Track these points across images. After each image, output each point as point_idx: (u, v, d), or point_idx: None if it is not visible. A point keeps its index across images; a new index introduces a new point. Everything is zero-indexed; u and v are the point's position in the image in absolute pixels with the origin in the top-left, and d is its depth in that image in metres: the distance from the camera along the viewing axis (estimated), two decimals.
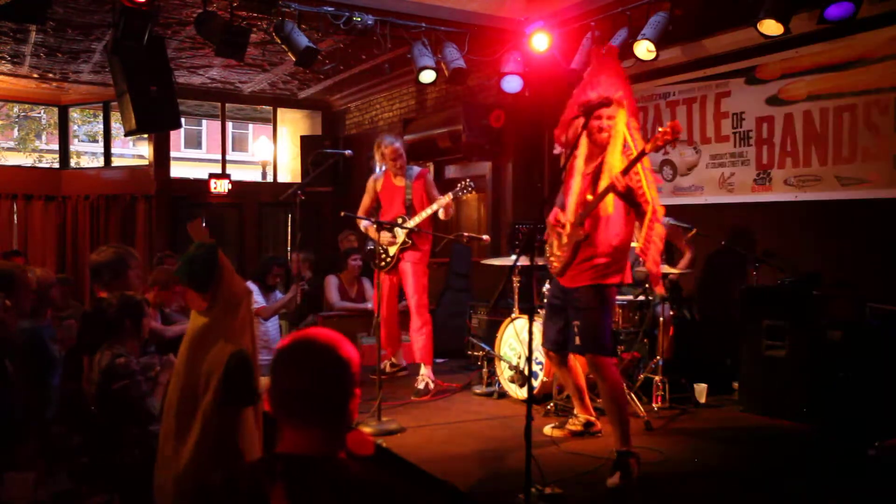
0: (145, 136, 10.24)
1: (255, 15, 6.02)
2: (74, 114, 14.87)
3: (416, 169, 5.43)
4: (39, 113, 18.48)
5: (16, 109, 18.22)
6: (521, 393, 4.84)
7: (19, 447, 3.55)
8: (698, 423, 4.51)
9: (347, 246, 6.92)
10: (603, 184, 3.55)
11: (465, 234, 5.46)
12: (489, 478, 3.50)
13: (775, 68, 5.40)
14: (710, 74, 5.86)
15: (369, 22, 5.67)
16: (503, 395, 5.05)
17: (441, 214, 5.17)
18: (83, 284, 9.26)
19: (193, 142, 21.46)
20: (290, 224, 10.73)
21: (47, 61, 8.22)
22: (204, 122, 20.02)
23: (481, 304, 6.00)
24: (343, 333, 1.72)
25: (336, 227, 8.38)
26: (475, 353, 5.43)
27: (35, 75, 8.92)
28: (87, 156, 18.56)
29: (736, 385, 4.95)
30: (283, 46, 5.52)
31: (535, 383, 4.76)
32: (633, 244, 3.86)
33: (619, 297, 4.67)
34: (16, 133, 19.35)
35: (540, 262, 4.00)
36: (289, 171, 11.18)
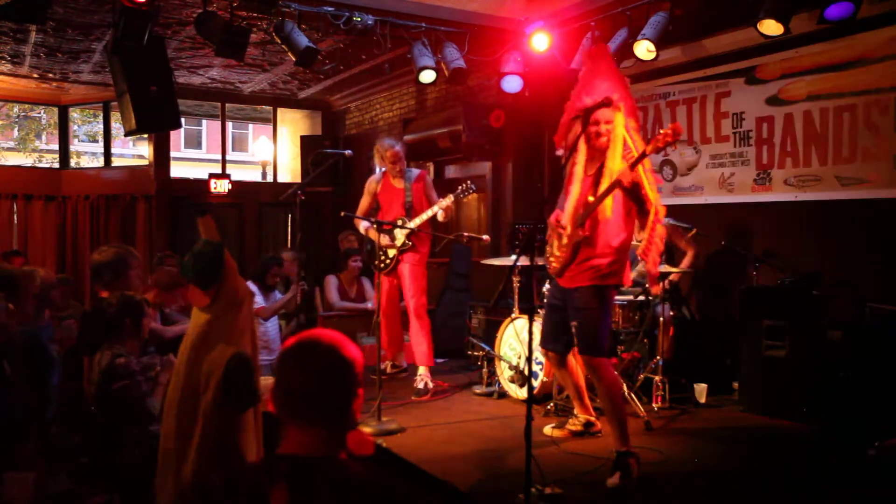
0: (145, 136, 10.23)
1: (255, 15, 6.02)
2: (74, 114, 14.87)
3: (416, 171, 5.44)
4: (39, 113, 18.47)
5: (16, 109, 18.22)
6: (521, 393, 4.84)
7: (19, 447, 3.55)
8: (698, 423, 4.51)
9: (347, 246, 6.93)
10: (604, 186, 3.55)
11: (465, 234, 5.47)
12: (489, 478, 3.50)
13: (775, 68, 5.40)
14: (710, 74, 5.85)
15: (369, 22, 5.67)
16: (503, 395, 5.05)
17: (440, 216, 5.18)
18: (83, 284, 9.26)
19: (193, 142, 21.46)
20: (290, 224, 10.73)
21: (47, 61, 8.21)
22: (204, 122, 20.02)
23: (481, 304, 6.00)
24: (343, 333, 1.72)
25: (336, 227, 8.38)
26: (475, 353, 5.44)
27: (35, 75, 8.91)
28: (87, 156, 18.56)
29: (736, 385, 4.95)
30: (283, 46, 5.52)
31: (535, 383, 4.76)
32: (633, 242, 3.86)
33: (618, 297, 4.68)
34: (16, 133, 19.34)
35: (540, 262, 4.00)
36: (289, 171, 11.17)
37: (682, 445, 4.02)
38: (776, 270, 5.09)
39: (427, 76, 5.87)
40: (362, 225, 5.34)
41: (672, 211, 3.60)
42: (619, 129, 3.58)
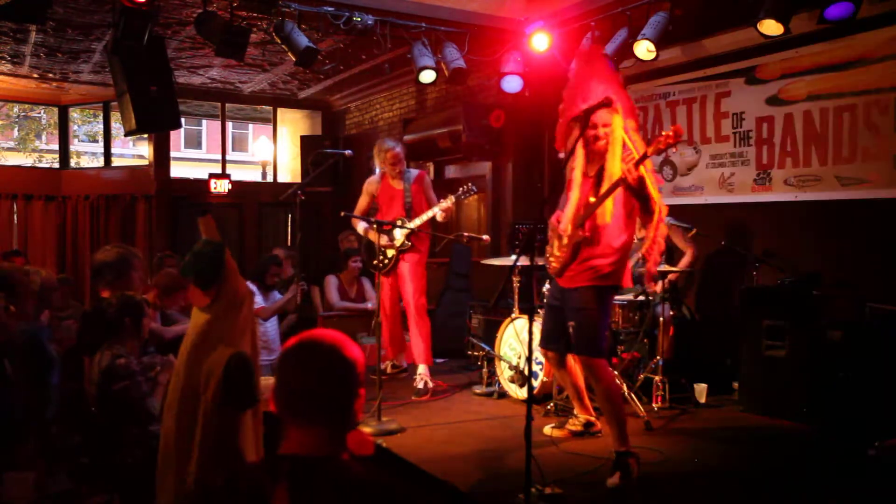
0: (145, 136, 10.23)
1: (255, 15, 6.02)
2: (74, 114, 14.87)
3: (414, 171, 5.44)
4: (39, 113, 18.48)
5: (16, 109, 18.22)
6: (521, 393, 4.84)
7: (19, 447, 3.55)
8: (698, 423, 4.51)
9: (347, 246, 6.92)
10: (605, 187, 3.55)
11: (465, 234, 5.47)
12: (489, 478, 3.50)
13: (775, 68, 5.40)
14: (710, 74, 5.85)
15: (369, 22, 5.67)
16: (503, 395, 5.05)
17: (439, 217, 5.18)
18: (83, 284, 9.27)
19: (193, 142, 21.46)
20: (290, 224, 10.73)
21: (47, 61, 8.21)
22: (204, 122, 20.02)
23: (481, 304, 6.00)
24: (343, 333, 1.73)
25: (336, 227, 8.38)
26: (475, 353, 5.44)
27: (35, 75, 8.91)
28: (87, 156, 18.57)
29: (736, 385, 4.95)
30: (283, 46, 5.52)
31: (535, 383, 4.76)
32: (634, 242, 3.86)
33: (618, 297, 4.68)
34: (16, 133, 19.35)
35: (540, 262, 4.00)
36: (289, 171, 11.17)
37: (682, 445, 4.02)
38: (776, 270, 5.09)
39: (427, 76, 5.88)
40: (360, 225, 5.34)
41: (672, 211, 3.60)
42: (618, 132, 3.58)
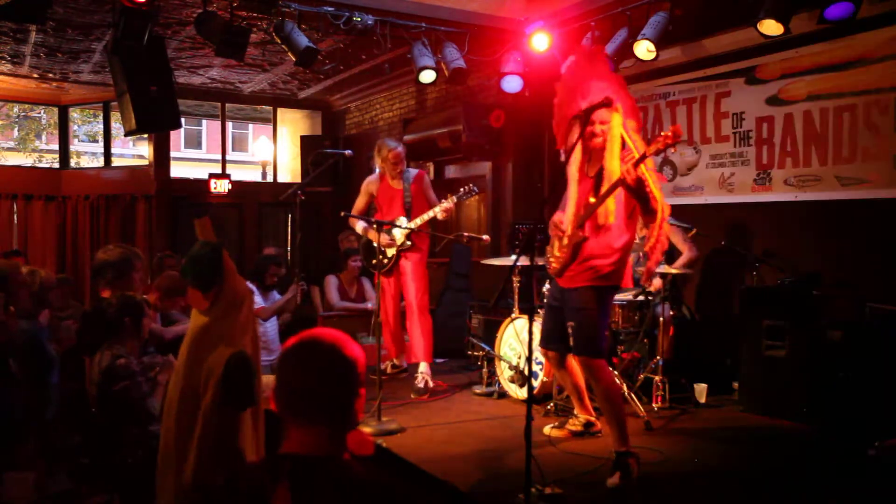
0: (145, 136, 10.23)
1: (255, 15, 6.02)
2: (74, 114, 14.87)
3: (414, 171, 5.44)
4: (39, 113, 18.48)
5: (16, 109, 18.22)
6: (521, 393, 4.84)
7: (19, 447, 3.55)
8: (698, 423, 4.51)
9: (347, 246, 6.93)
10: (605, 187, 3.54)
11: (465, 234, 5.47)
12: (489, 478, 3.50)
13: (775, 68, 5.40)
14: (710, 74, 5.85)
15: (369, 22, 5.67)
16: (503, 395, 5.05)
17: (439, 216, 5.19)
18: (83, 284, 9.28)
19: (193, 142, 21.46)
20: (290, 224, 10.73)
21: (47, 61, 8.21)
22: (204, 122, 20.02)
23: (481, 304, 6.00)
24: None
25: (336, 227, 8.38)
26: (475, 353, 5.44)
27: (35, 75, 8.91)
28: (87, 156, 18.57)
29: (736, 385, 4.95)
30: (283, 46, 5.52)
31: (535, 383, 4.76)
32: (637, 241, 3.86)
33: (618, 297, 4.68)
34: (16, 133, 19.35)
35: (540, 262, 4.00)
36: (289, 171, 11.17)
37: (682, 445, 4.02)
38: (776, 270, 5.09)
39: (427, 76, 5.87)
40: (359, 225, 5.34)
41: (672, 211, 3.58)
42: (616, 129, 3.57)
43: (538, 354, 4.62)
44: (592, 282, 3.65)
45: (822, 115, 5.13)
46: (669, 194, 6.04)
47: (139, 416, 3.32)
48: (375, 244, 5.24)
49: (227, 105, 10.30)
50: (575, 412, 4.26)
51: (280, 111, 10.68)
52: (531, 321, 3.22)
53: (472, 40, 6.10)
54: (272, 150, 11.05)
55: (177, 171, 10.75)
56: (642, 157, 3.40)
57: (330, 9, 5.59)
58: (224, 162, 10.57)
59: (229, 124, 13.10)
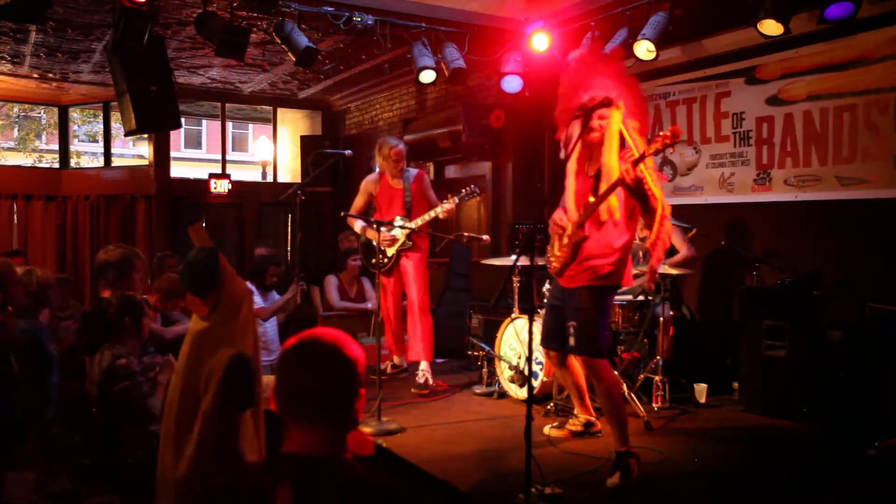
0: (145, 136, 10.23)
1: (255, 15, 6.02)
2: (74, 114, 14.87)
3: (414, 171, 5.44)
4: (39, 113, 18.48)
5: (16, 109, 18.22)
6: (521, 393, 4.84)
7: (19, 447, 3.55)
8: (698, 423, 4.50)
9: (347, 246, 6.93)
10: (604, 185, 3.54)
11: (465, 234, 5.47)
12: (489, 478, 3.50)
13: (775, 68, 5.40)
14: (710, 74, 5.86)
15: (369, 22, 5.67)
16: (503, 395, 5.05)
17: (441, 216, 5.19)
18: (83, 284, 9.29)
19: (193, 142, 21.46)
20: (290, 224, 10.73)
21: (47, 61, 8.22)
22: (204, 122, 20.02)
23: (481, 304, 5.99)
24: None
25: (336, 227, 8.38)
26: (475, 353, 5.44)
27: (35, 75, 8.92)
28: (87, 156, 18.57)
29: (736, 385, 4.95)
30: (283, 46, 5.52)
31: (535, 383, 4.76)
32: (637, 241, 3.85)
33: (618, 297, 4.67)
34: (16, 133, 19.35)
35: (540, 262, 4.00)
36: (289, 171, 11.18)
37: (682, 445, 4.02)
38: (776, 270, 5.09)
39: (427, 76, 5.88)
40: (358, 224, 5.34)
41: (672, 211, 3.58)
42: (615, 126, 3.57)
43: (538, 354, 4.62)
44: (593, 281, 3.65)
45: (822, 115, 5.14)
46: (669, 194, 6.04)
47: (139, 415, 3.32)
48: (375, 244, 5.24)
49: (227, 105, 10.30)
50: (575, 412, 4.26)
51: (280, 111, 10.68)
52: (531, 321, 3.21)
53: (472, 40, 6.10)
54: (272, 150, 11.05)
55: (177, 171, 10.75)
56: (641, 157, 3.40)
57: (330, 9, 5.59)
58: (224, 162, 10.57)
59: (229, 124, 13.11)
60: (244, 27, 5.41)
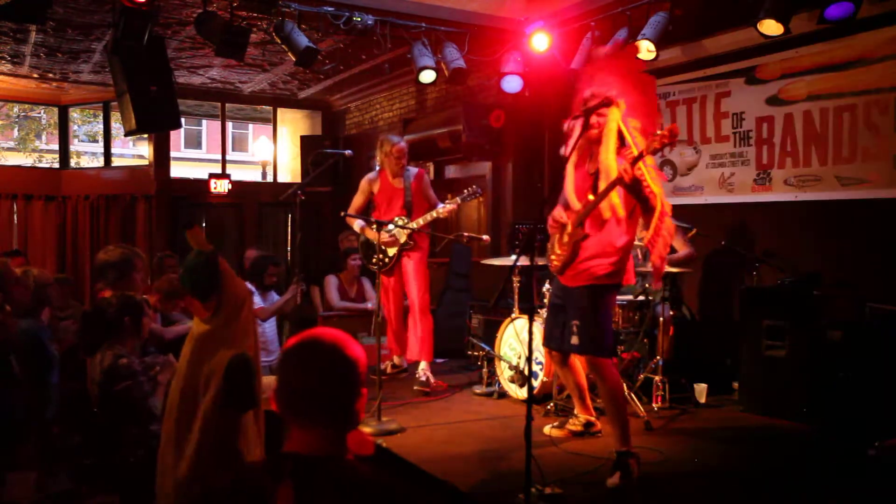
0: (145, 136, 10.24)
1: (255, 15, 6.02)
2: (74, 114, 14.87)
3: (414, 170, 5.44)
4: (39, 113, 18.48)
5: (16, 109, 18.22)
6: (521, 393, 4.84)
7: (19, 447, 3.55)
8: (698, 423, 4.51)
9: (347, 246, 6.93)
10: (603, 183, 3.54)
11: (465, 234, 5.47)
12: (489, 478, 3.50)
13: (775, 68, 5.41)
14: (710, 74, 5.86)
15: (369, 22, 5.67)
16: (503, 395, 5.05)
17: (442, 214, 5.20)
18: (83, 284, 9.28)
19: (193, 142, 21.46)
20: (290, 224, 10.73)
21: (47, 61, 8.22)
22: (204, 122, 20.02)
23: (481, 304, 6.00)
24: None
25: (336, 228, 8.38)
26: (475, 353, 5.44)
27: (35, 75, 8.92)
28: (87, 156, 18.57)
29: (736, 385, 4.95)
30: (283, 46, 5.52)
31: (535, 383, 4.76)
32: (637, 242, 3.85)
33: (619, 297, 4.67)
34: (16, 133, 19.35)
35: (540, 262, 4.00)
36: (289, 171, 11.18)
37: (682, 445, 4.02)
38: (776, 270, 5.09)
39: (427, 76, 5.88)
40: (358, 223, 5.34)
41: (672, 211, 3.58)
42: (613, 124, 3.56)
43: (538, 354, 4.63)
44: (594, 281, 3.65)
45: (822, 115, 5.14)
46: (669, 194, 6.03)
47: (141, 415, 3.32)
48: (376, 243, 5.24)
49: (227, 105, 10.30)
50: (575, 412, 4.26)
51: (280, 111, 10.68)
52: (531, 321, 3.22)
53: (472, 40, 6.10)
54: (272, 150, 11.05)
55: (177, 171, 10.76)
56: (639, 156, 3.40)
57: (330, 9, 5.59)
58: (224, 162, 10.57)
59: (229, 124, 13.11)
60: (244, 27, 5.41)
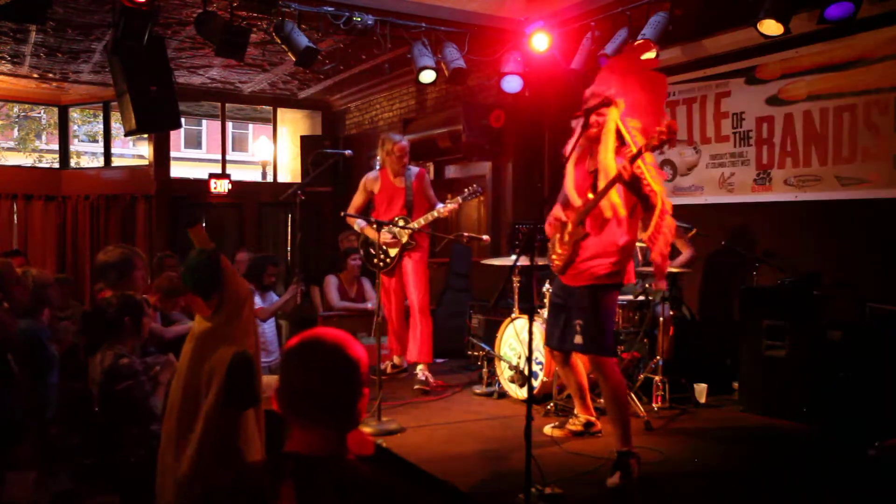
0: (145, 136, 10.24)
1: (255, 15, 6.03)
2: (74, 114, 14.88)
3: (415, 169, 5.43)
4: (39, 113, 18.48)
5: (16, 109, 18.22)
6: (521, 393, 4.84)
7: (19, 447, 3.55)
8: (698, 423, 4.51)
9: (347, 246, 6.93)
10: (602, 182, 3.54)
11: (465, 234, 5.47)
12: (489, 478, 3.50)
13: (775, 68, 5.41)
14: (710, 74, 5.86)
15: (369, 22, 5.67)
16: (503, 395, 5.05)
17: (443, 214, 5.20)
18: (83, 284, 9.28)
19: (193, 142, 21.46)
20: (290, 224, 10.74)
21: (47, 61, 8.22)
22: (204, 122, 20.03)
23: (481, 304, 6.00)
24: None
25: (336, 227, 8.38)
26: (475, 353, 5.44)
27: (35, 75, 8.92)
28: (87, 156, 18.57)
29: (736, 385, 4.95)
30: (283, 46, 5.52)
31: (535, 383, 4.76)
32: (637, 243, 3.85)
33: (619, 297, 4.67)
34: (16, 133, 19.35)
35: (540, 262, 3.99)
36: (289, 171, 11.18)
37: (682, 445, 4.02)
38: (776, 270, 5.08)
39: (427, 76, 5.88)
40: (358, 223, 5.34)
41: (672, 211, 3.57)
42: (611, 123, 3.56)
43: (538, 354, 4.63)
44: (595, 281, 3.65)
45: (822, 115, 5.14)
46: (670, 194, 5.95)
47: (141, 415, 3.32)
48: (376, 243, 5.25)
49: (227, 105, 10.31)
50: (575, 412, 4.26)
51: (280, 111, 10.68)
52: (531, 321, 3.21)
53: (472, 40, 6.10)
54: (272, 150, 11.05)
55: (177, 171, 10.76)
56: (637, 155, 3.40)
57: (330, 9, 5.59)
58: (224, 162, 10.57)
59: (229, 124, 13.11)
60: (244, 27, 5.41)
